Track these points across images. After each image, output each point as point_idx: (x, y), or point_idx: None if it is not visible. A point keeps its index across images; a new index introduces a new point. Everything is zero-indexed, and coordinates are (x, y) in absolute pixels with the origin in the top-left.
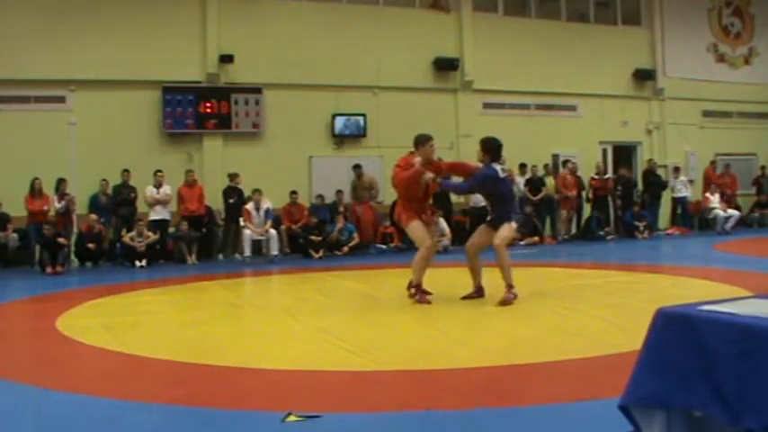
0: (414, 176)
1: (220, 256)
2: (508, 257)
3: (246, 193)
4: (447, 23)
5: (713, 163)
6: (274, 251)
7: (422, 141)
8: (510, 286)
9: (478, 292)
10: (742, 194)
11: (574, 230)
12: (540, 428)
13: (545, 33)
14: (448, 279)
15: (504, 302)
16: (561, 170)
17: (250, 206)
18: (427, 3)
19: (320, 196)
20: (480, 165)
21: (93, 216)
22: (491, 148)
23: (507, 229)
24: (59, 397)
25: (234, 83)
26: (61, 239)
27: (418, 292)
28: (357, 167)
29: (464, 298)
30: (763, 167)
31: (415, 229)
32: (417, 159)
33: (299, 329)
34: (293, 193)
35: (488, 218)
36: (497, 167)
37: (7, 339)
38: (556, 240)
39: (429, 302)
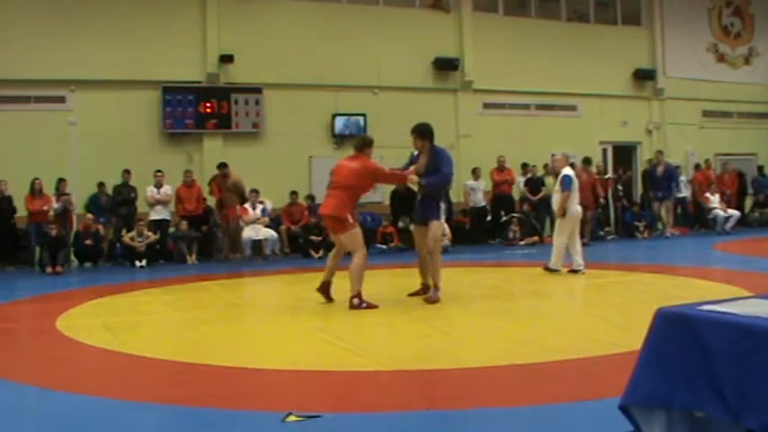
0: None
1: (220, 256)
2: (440, 260)
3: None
4: (447, 23)
5: (707, 161)
6: (268, 250)
7: (369, 145)
8: (437, 288)
9: (425, 289)
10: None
11: None
12: (540, 428)
13: (545, 33)
14: (448, 279)
15: (430, 300)
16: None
17: (247, 205)
18: (427, 3)
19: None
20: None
21: (90, 215)
22: (429, 132)
23: (437, 228)
24: (59, 397)
25: (234, 83)
26: (62, 239)
27: (362, 300)
28: (222, 166)
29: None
30: (760, 167)
31: (359, 235)
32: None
33: (299, 329)
34: (293, 193)
35: (414, 216)
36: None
37: (7, 339)
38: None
39: (377, 306)
